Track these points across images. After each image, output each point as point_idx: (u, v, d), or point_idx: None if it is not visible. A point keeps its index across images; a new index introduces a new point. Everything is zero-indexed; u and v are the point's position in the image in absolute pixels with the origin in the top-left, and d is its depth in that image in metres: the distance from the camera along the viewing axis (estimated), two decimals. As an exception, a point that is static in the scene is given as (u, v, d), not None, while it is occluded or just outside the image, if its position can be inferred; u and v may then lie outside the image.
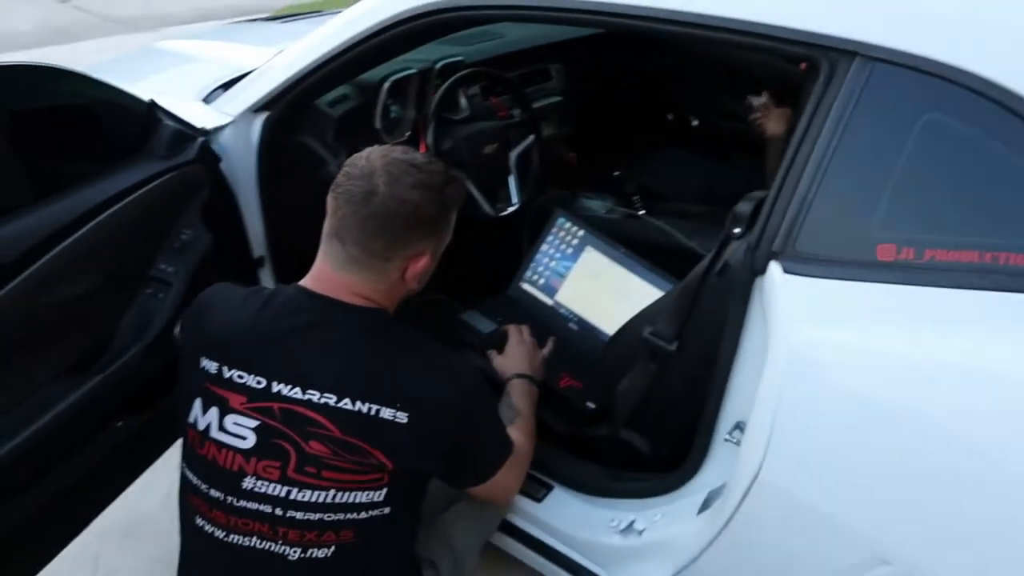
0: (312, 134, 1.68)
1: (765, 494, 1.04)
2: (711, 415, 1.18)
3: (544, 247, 1.77)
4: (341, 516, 1.07)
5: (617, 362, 1.37)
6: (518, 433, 1.30)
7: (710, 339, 1.16)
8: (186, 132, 1.48)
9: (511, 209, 1.86)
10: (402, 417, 1.06)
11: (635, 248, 1.69)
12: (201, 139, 1.48)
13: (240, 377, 1.07)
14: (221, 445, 1.08)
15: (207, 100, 1.71)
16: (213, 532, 1.10)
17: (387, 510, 1.10)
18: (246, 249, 1.65)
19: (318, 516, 1.06)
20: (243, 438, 1.07)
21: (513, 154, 1.90)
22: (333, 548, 1.08)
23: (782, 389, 1.01)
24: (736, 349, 1.13)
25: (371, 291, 1.12)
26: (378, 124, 1.81)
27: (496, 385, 1.44)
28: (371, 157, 1.10)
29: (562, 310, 1.72)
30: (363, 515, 1.08)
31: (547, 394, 1.49)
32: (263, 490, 1.06)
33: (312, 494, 1.06)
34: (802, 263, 1.03)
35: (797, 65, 1.86)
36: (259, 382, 1.07)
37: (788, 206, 1.06)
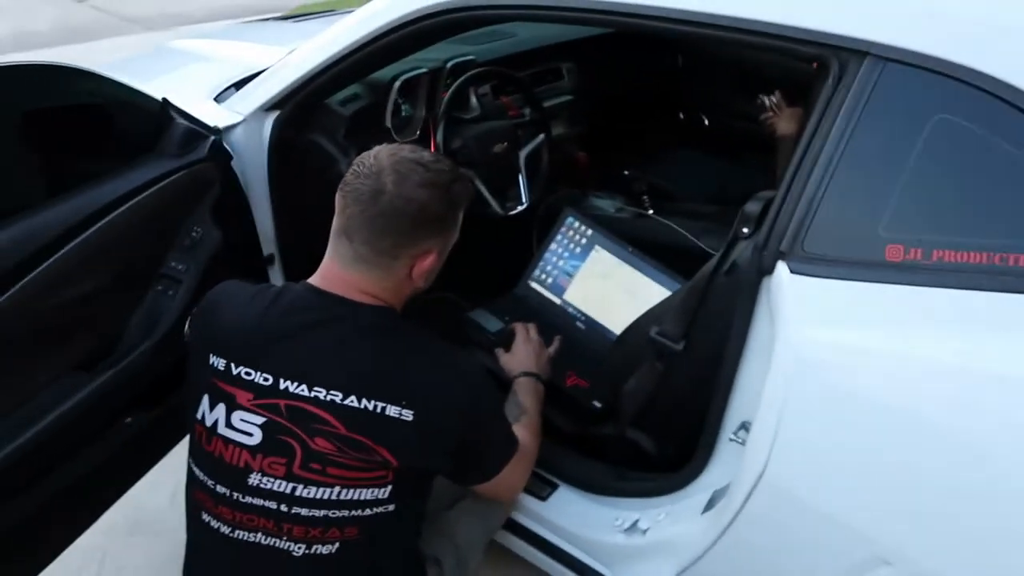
0: (323, 133, 1.69)
1: (769, 494, 1.04)
2: (717, 415, 1.18)
3: (553, 246, 1.77)
4: (346, 513, 1.08)
5: (624, 361, 1.36)
6: (524, 431, 1.30)
7: (717, 339, 1.16)
8: (198, 130, 1.49)
9: (520, 208, 1.87)
10: (408, 415, 1.07)
11: (644, 248, 1.69)
12: (213, 137, 1.49)
13: (248, 374, 1.08)
14: (228, 441, 1.09)
15: (219, 99, 1.72)
16: (219, 528, 1.11)
17: (392, 507, 1.10)
18: (256, 247, 1.66)
19: (323, 513, 1.07)
20: (250, 435, 1.08)
21: (523, 153, 1.90)
22: (337, 545, 1.09)
23: (787, 389, 1.01)
24: (742, 349, 1.13)
25: (379, 289, 1.12)
26: (388, 123, 1.81)
27: (503, 383, 1.44)
28: (379, 156, 1.10)
29: (570, 309, 1.72)
30: (368, 512, 1.09)
31: (553, 393, 1.49)
32: (269, 486, 1.07)
33: (317, 491, 1.07)
34: (810, 263, 1.03)
35: (809, 65, 1.85)
36: (266, 379, 1.08)
37: (796, 206, 1.05)
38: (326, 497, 1.07)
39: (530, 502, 1.42)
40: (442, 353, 1.15)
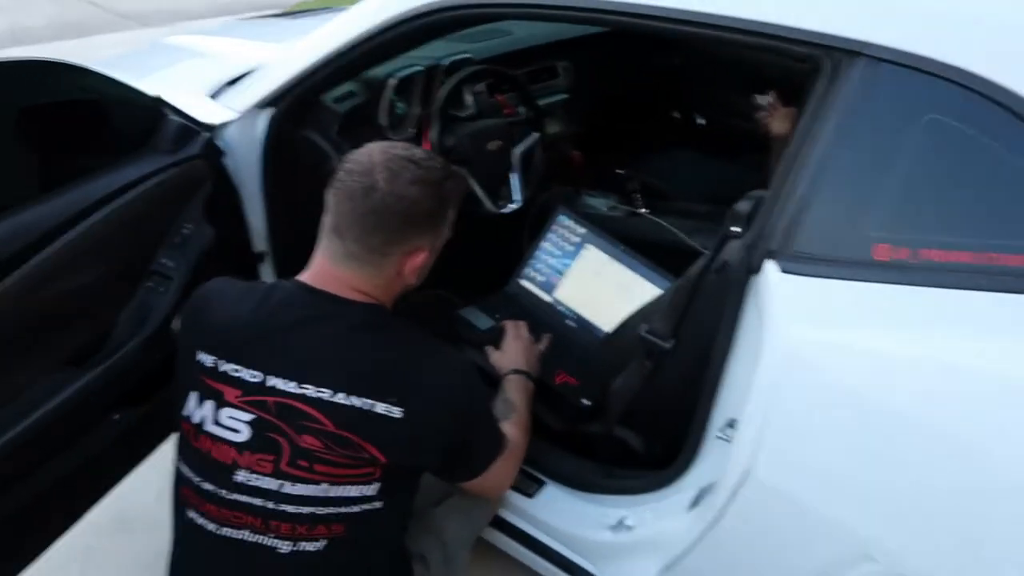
0: (317, 130, 1.69)
1: (754, 491, 1.04)
2: (704, 413, 1.18)
3: (544, 244, 1.77)
4: (333, 510, 1.08)
5: (613, 359, 1.37)
6: (512, 428, 1.30)
7: (706, 337, 1.16)
8: (191, 127, 1.49)
9: (513, 206, 1.87)
10: (396, 412, 1.07)
11: (637, 246, 1.69)
12: (206, 134, 1.49)
13: (236, 371, 1.08)
14: (215, 438, 1.09)
15: (214, 96, 1.72)
16: (205, 525, 1.11)
17: (379, 504, 1.10)
18: (247, 244, 1.66)
19: (310, 510, 1.07)
20: (237, 431, 1.08)
21: (517, 151, 1.90)
22: (324, 542, 1.09)
23: (774, 387, 1.01)
24: (731, 347, 1.13)
25: (369, 286, 1.12)
26: (383, 121, 1.81)
27: (492, 381, 1.45)
28: (371, 153, 1.10)
29: (560, 307, 1.73)
30: (355, 509, 1.09)
31: (543, 391, 1.49)
32: (255, 483, 1.07)
33: (304, 488, 1.07)
34: (799, 262, 1.03)
35: (804, 64, 1.85)
36: (255, 376, 1.08)
37: (787, 205, 1.06)
38: (313, 494, 1.07)
39: (518, 499, 1.43)
40: (432, 350, 1.15)
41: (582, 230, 1.73)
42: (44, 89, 1.43)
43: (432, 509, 1.33)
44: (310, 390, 1.06)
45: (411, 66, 1.85)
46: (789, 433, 1.02)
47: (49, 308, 1.25)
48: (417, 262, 1.13)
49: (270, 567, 1.09)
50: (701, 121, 2.62)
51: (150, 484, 1.58)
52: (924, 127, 1.00)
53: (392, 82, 1.79)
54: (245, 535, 1.09)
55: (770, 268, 1.04)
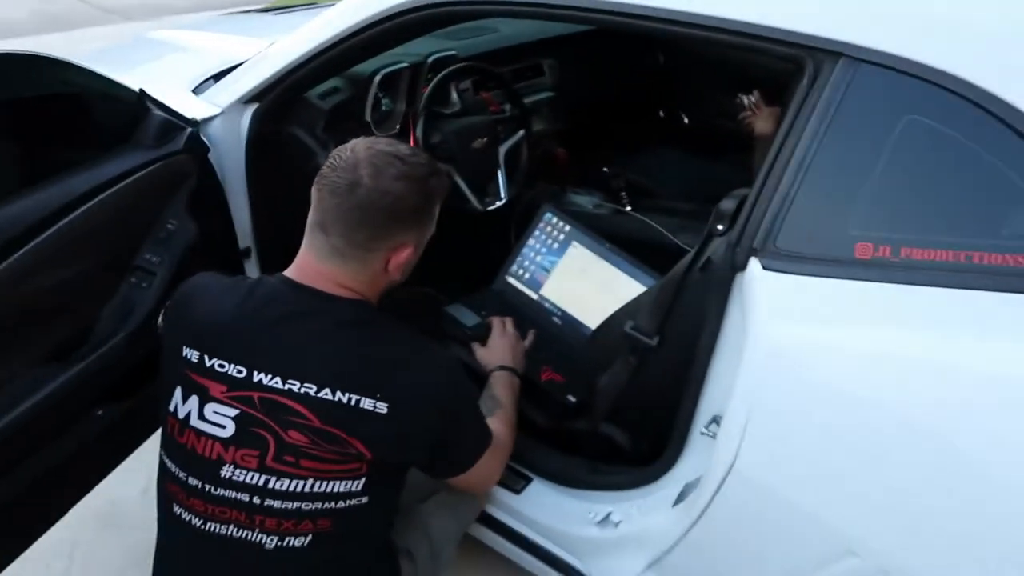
0: (302, 126, 1.69)
1: (739, 486, 1.05)
2: (689, 409, 1.19)
3: (530, 241, 1.78)
4: (319, 505, 1.08)
5: (599, 356, 1.38)
6: (499, 424, 1.30)
7: (690, 334, 1.17)
8: (174, 122, 1.48)
9: (499, 204, 1.87)
10: (382, 408, 1.07)
11: (622, 244, 1.70)
12: (189, 129, 1.48)
13: (221, 366, 1.08)
14: (200, 433, 1.09)
15: (197, 91, 1.71)
16: (191, 520, 1.10)
17: (365, 499, 1.10)
18: (232, 240, 1.65)
19: (296, 505, 1.07)
20: (222, 427, 1.07)
21: (502, 149, 1.91)
22: (310, 537, 1.09)
23: (757, 383, 1.02)
24: (715, 344, 1.14)
25: (354, 282, 1.12)
26: (368, 117, 1.81)
27: (479, 377, 1.45)
28: (355, 148, 1.10)
29: (547, 304, 1.73)
30: (341, 504, 1.09)
31: (529, 387, 1.50)
32: (241, 478, 1.07)
33: (290, 483, 1.07)
34: (782, 260, 1.04)
35: (788, 64, 1.87)
36: (240, 371, 1.07)
37: (770, 204, 1.07)
38: (299, 489, 1.07)
39: (504, 495, 1.43)
40: (417, 346, 1.15)
41: (568, 228, 1.74)
42: (26, 83, 1.42)
43: (419, 505, 1.33)
44: (296, 386, 1.06)
45: (396, 63, 1.85)
46: (773, 429, 1.03)
47: (31, 303, 1.24)
48: (402, 258, 1.13)
49: (256, 562, 1.09)
50: (685, 119, 2.63)
51: (136, 479, 1.58)
52: (904, 127, 1.01)
53: (377, 79, 1.79)
54: (231, 530, 1.08)
55: (753, 266, 1.05)
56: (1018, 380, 0.89)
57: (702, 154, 2.43)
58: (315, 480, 1.07)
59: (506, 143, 1.92)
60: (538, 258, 1.76)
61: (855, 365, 0.98)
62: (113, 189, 1.33)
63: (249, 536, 1.08)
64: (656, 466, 1.26)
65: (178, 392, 1.11)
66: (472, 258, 1.85)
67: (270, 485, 1.06)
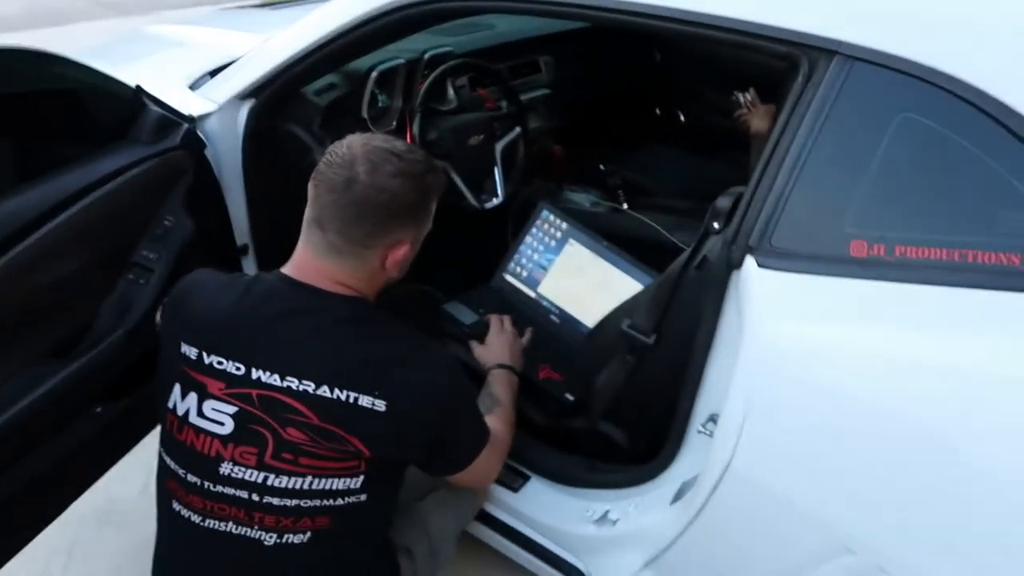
0: (298, 122, 1.68)
1: (735, 484, 1.06)
2: (686, 407, 1.19)
3: (528, 239, 1.78)
4: (317, 502, 1.08)
5: (596, 355, 1.38)
6: (497, 421, 1.31)
7: (687, 332, 1.18)
8: (171, 118, 1.47)
9: (495, 202, 1.87)
10: (380, 405, 1.07)
11: (619, 242, 1.70)
12: (186, 125, 1.48)
13: (220, 363, 1.08)
14: (199, 430, 1.09)
15: (194, 87, 1.71)
16: (190, 517, 1.11)
17: (363, 497, 1.10)
18: (230, 236, 1.65)
19: (294, 502, 1.07)
20: (221, 424, 1.08)
21: (499, 146, 1.90)
22: (309, 534, 1.09)
23: (754, 381, 1.03)
24: (712, 342, 1.15)
25: (352, 279, 1.12)
26: (365, 113, 1.81)
27: (477, 375, 1.45)
28: (352, 145, 1.10)
29: (544, 302, 1.74)
30: (339, 502, 1.09)
31: (527, 385, 1.50)
32: (240, 476, 1.07)
33: (289, 480, 1.07)
34: (777, 258, 1.04)
35: (783, 62, 1.87)
36: (238, 368, 1.08)
37: (765, 202, 1.07)
38: (298, 487, 1.07)
39: (502, 493, 1.44)
40: (415, 344, 1.15)
41: (565, 226, 1.74)
42: (22, 78, 1.42)
43: (417, 503, 1.33)
44: (294, 383, 1.06)
45: (393, 59, 1.85)
46: (768, 427, 1.03)
47: (29, 300, 1.24)
48: (399, 255, 1.13)
49: (255, 559, 1.09)
50: (682, 117, 2.63)
51: (135, 476, 1.58)
52: (898, 125, 1.01)
53: (374, 75, 1.79)
54: (230, 527, 1.09)
55: (749, 264, 1.06)
56: (1012, 378, 0.90)
57: (698, 152, 2.43)
58: (313, 477, 1.07)
59: (503, 140, 1.92)
60: (536, 256, 1.76)
61: (850, 363, 0.98)
62: (110, 185, 1.33)
63: (248, 533, 1.08)
64: (654, 464, 1.27)
65: (177, 389, 1.11)
66: (469, 255, 1.85)
67: (269, 482, 1.07)
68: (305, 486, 1.07)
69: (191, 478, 1.10)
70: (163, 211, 1.45)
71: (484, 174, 1.89)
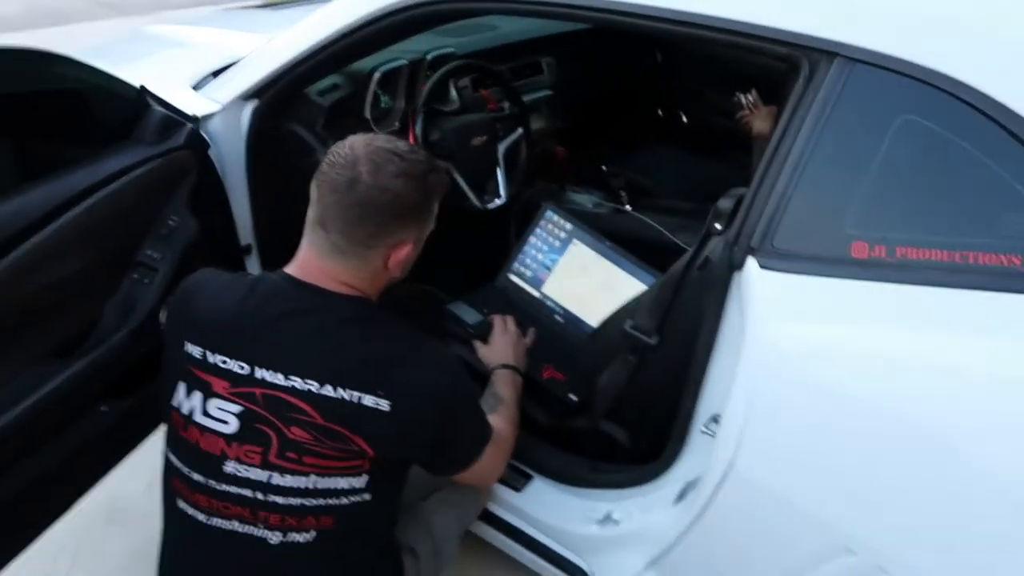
0: (301, 123, 1.69)
1: (738, 485, 1.06)
2: (688, 408, 1.20)
3: (532, 239, 1.78)
4: (322, 501, 1.08)
5: (599, 355, 1.38)
6: (501, 421, 1.31)
7: (689, 333, 1.18)
8: (175, 118, 1.48)
9: (498, 202, 1.88)
10: (384, 405, 1.07)
11: (621, 243, 1.71)
12: (190, 125, 1.49)
13: (224, 362, 1.09)
14: (204, 429, 1.09)
15: (197, 87, 1.71)
16: (195, 515, 1.11)
17: (367, 496, 1.11)
18: (233, 236, 1.65)
19: (299, 501, 1.08)
20: (225, 423, 1.08)
21: (501, 147, 1.91)
22: (314, 533, 1.09)
23: (756, 382, 1.03)
24: (714, 343, 1.15)
25: (355, 279, 1.13)
26: (368, 114, 1.81)
27: (481, 375, 1.46)
28: (354, 145, 1.10)
29: (548, 302, 1.74)
30: (344, 501, 1.09)
31: (530, 385, 1.51)
32: (245, 474, 1.07)
33: (293, 479, 1.07)
34: (779, 259, 1.05)
35: (784, 63, 1.87)
36: (242, 368, 1.08)
37: (767, 203, 1.07)
38: (302, 486, 1.07)
39: (505, 493, 1.44)
40: (419, 344, 1.15)
41: (569, 226, 1.75)
42: (22, 78, 1.42)
43: (421, 502, 1.34)
44: (298, 382, 1.07)
45: (396, 60, 1.85)
46: (770, 427, 1.04)
47: (33, 300, 1.24)
48: (401, 255, 1.13)
49: (260, 558, 1.10)
50: (684, 118, 2.64)
51: (140, 475, 1.58)
52: (899, 127, 1.02)
53: (377, 75, 1.80)
54: (235, 526, 1.09)
55: (751, 265, 1.06)
56: (1012, 378, 0.90)
57: (700, 153, 2.44)
58: (318, 476, 1.08)
59: (505, 141, 1.92)
60: (540, 256, 1.77)
61: (851, 363, 0.99)
62: (114, 185, 1.33)
63: (254, 532, 1.09)
64: (656, 464, 1.27)
65: (181, 388, 1.11)
66: (471, 256, 1.86)
67: (273, 481, 1.07)
68: (309, 485, 1.08)
69: (196, 477, 1.10)
70: (167, 211, 1.45)
71: (486, 175, 1.89)
